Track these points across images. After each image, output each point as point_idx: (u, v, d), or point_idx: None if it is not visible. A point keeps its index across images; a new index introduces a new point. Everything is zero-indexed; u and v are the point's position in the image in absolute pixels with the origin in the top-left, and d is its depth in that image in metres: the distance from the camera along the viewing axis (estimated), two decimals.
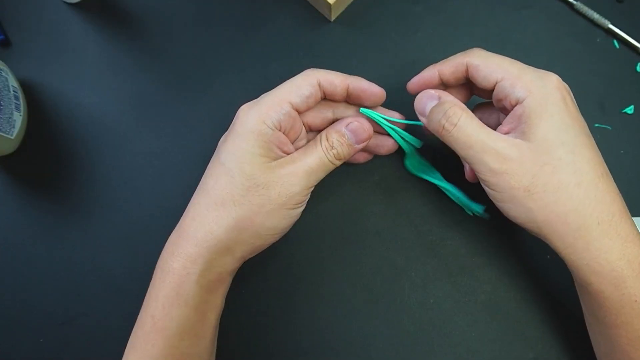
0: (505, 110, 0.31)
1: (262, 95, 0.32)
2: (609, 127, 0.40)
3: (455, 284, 0.37)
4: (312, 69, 0.32)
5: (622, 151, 0.40)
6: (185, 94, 0.42)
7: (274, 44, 0.43)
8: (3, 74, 0.38)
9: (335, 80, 0.31)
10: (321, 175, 0.32)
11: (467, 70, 0.31)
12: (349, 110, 0.35)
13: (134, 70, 0.42)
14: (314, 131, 0.35)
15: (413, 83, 0.34)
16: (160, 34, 0.43)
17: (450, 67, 0.32)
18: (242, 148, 0.30)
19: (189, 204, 0.32)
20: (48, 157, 0.41)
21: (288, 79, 0.32)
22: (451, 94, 0.33)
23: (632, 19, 0.42)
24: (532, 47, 0.42)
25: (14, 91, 0.39)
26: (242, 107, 0.32)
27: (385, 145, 0.36)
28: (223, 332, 0.36)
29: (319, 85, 0.31)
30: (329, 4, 0.40)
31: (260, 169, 0.30)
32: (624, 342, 0.28)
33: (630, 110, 0.41)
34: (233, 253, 0.30)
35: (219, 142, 0.32)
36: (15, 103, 0.39)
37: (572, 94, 0.31)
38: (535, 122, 0.28)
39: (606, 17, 0.42)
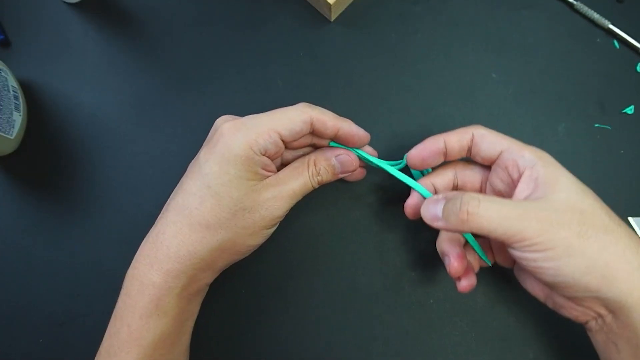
0: (505, 181, 0.31)
1: (250, 117, 0.31)
2: (609, 127, 0.40)
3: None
4: (306, 104, 0.32)
5: (622, 151, 0.40)
6: (185, 94, 0.42)
7: (274, 44, 0.43)
8: (3, 74, 0.38)
9: (328, 123, 0.31)
10: (301, 197, 0.33)
11: (471, 139, 0.32)
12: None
13: (134, 70, 0.42)
14: (290, 150, 0.35)
15: (416, 151, 0.33)
16: (160, 34, 0.43)
17: (455, 135, 0.32)
18: (230, 173, 0.30)
19: (165, 219, 0.31)
20: (48, 157, 0.41)
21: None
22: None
23: (632, 19, 0.42)
24: (532, 47, 0.42)
25: (13, 91, 0.39)
26: (225, 124, 0.31)
27: (354, 175, 0.37)
28: (223, 337, 0.36)
29: (312, 123, 0.31)
30: (329, 4, 0.40)
31: (246, 193, 0.30)
32: None
33: (630, 110, 0.41)
34: (213, 268, 0.32)
35: (200, 158, 0.31)
36: (15, 103, 0.39)
37: None
38: (557, 176, 0.28)
39: (606, 17, 0.42)
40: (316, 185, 0.33)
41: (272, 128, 0.30)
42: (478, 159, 0.33)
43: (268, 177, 0.32)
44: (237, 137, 0.30)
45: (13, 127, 0.39)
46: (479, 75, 0.42)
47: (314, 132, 0.32)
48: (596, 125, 0.40)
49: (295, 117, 0.31)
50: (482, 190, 0.34)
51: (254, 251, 0.33)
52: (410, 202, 0.34)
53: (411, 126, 0.41)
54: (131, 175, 0.40)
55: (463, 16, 0.43)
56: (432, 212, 0.30)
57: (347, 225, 0.39)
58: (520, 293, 0.37)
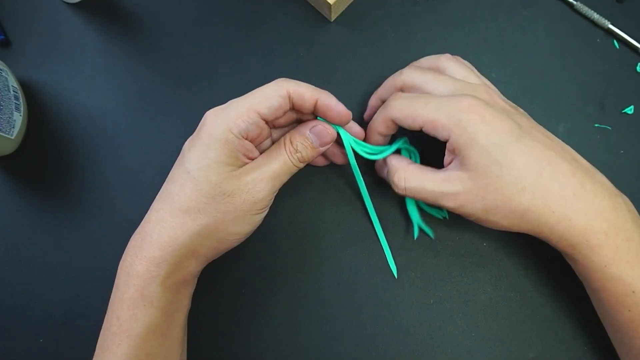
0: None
1: (230, 101, 0.32)
2: (609, 127, 0.40)
3: (455, 284, 0.37)
4: (283, 79, 0.32)
5: (622, 151, 0.40)
6: (185, 93, 0.42)
7: (274, 44, 0.43)
8: (3, 74, 0.38)
9: (306, 94, 0.31)
10: (285, 178, 0.32)
11: (393, 121, 0.33)
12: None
13: (134, 70, 0.42)
14: (278, 128, 0.35)
15: (366, 117, 0.38)
16: (160, 34, 0.43)
17: (381, 124, 0.34)
18: (209, 157, 0.30)
19: (150, 208, 0.32)
20: (48, 157, 0.41)
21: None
22: None
23: (632, 19, 0.42)
24: (532, 47, 0.42)
25: (14, 91, 0.39)
26: (208, 112, 0.32)
27: (341, 156, 0.37)
28: (226, 335, 0.36)
29: (289, 97, 0.31)
30: (329, 4, 0.40)
31: (226, 177, 0.30)
32: (605, 304, 0.31)
33: (630, 110, 0.41)
34: (197, 257, 0.31)
35: (184, 147, 0.32)
36: (15, 103, 0.39)
37: (495, 98, 0.32)
38: (466, 154, 0.30)
39: (606, 17, 0.42)
40: (299, 164, 0.32)
41: (250, 108, 0.30)
42: None
43: (248, 163, 0.31)
44: (217, 122, 0.30)
45: (13, 127, 0.39)
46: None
47: (294, 107, 0.32)
48: (596, 125, 0.40)
49: (273, 93, 0.31)
50: None
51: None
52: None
53: None
54: (131, 175, 0.40)
55: (463, 16, 0.43)
56: (381, 174, 0.37)
57: (347, 225, 0.39)
58: (520, 293, 0.37)
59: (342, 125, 0.34)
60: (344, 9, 0.43)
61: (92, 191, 0.40)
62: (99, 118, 0.41)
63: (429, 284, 0.37)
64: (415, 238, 0.38)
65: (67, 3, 0.44)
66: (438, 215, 0.38)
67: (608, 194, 0.30)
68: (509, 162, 0.29)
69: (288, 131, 0.34)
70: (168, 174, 0.40)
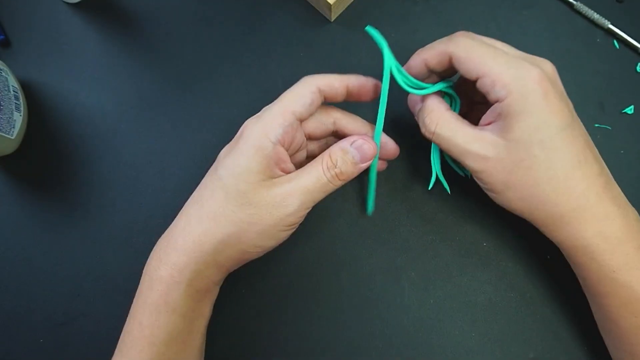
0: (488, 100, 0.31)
1: (265, 108, 0.31)
2: (609, 127, 0.40)
3: (455, 284, 0.37)
4: (308, 75, 0.32)
5: (622, 151, 0.40)
6: (185, 94, 0.42)
7: (274, 44, 0.43)
8: (3, 74, 0.38)
9: (335, 83, 0.31)
10: (318, 196, 0.30)
11: (449, 61, 0.31)
12: (350, 119, 0.34)
13: (134, 70, 0.42)
14: (314, 140, 0.35)
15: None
16: (160, 34, 0.43)
17: (435, 56, 0.31)
18: (240, 165, 0.29)
19: (180, 212, 0.32)
20: (48, 157, 0.41)
21: (288, 78, 0.32)
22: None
23: (632, 19, 0.42)
24: (532, 47, 0.42)
25: (14, 91, 0.39)
26: (247, 122, 0.31)
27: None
28: (223, 332, 0.36)
29: (319, 91, 0.31)
30: (329, 4, 0.40)
31: (255, 187, 0.29)
32: (611, 310, 0.30)
33: (630, 110, 0.41)
34: (219, 266, 0.31)
35: (220, 154, 0.32)
36: (15, 103, 0.39)
37: (558, 81, 0.31)
38: (513, 122, 0.28)
39: (606, 17, 0.42)
40: (333, 180, 0.30)
41: (284, 110, 0.30)
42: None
43: (281, 175, 0.30)
44: (254, 129, 0.30)
45: (13, 127, 0.39)
46: None
47: (327, 100, 0.32)
48: (596, 125, 0.40)
49: (303, 90, 0.31)
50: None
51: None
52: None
53: (412, 125, 0.40)
54: (131, 175, 0.40)
55: (463, 16, 0.43)
56: (412, 108, 0.35)
57: (347, 226, 0.39)
58: (520, 293, 0.37)
59: (373, 98, 0.33)
60: (344, 9, 0.43)
61: (92, 191, 0.40)
62: (99, 118, 0.41)
63: (429, 284, 0.37)
64: (429, 189, 0.37)
65: (67, 3, 0.44)
66: (460, 172, 0.37)
67: (623, 201, 0.30)
68: (551, 146, 0.28)
69: (322, 146, 0.34)
70: (168, 173, 0.40)
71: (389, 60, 0.31)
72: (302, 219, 0.31)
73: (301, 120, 0.31)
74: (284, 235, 0.31)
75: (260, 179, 0.29)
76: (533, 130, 0.28)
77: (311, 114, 0.31)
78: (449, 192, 0.37)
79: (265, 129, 0.29)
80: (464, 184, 0.39)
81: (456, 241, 0.38)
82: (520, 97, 0.28)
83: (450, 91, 0.34)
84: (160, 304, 0.29)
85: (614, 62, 0.42)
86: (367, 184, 0.36)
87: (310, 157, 0.33)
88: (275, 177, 0.30)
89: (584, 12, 0.42)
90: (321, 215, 0.39)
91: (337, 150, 0.31)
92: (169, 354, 0.29)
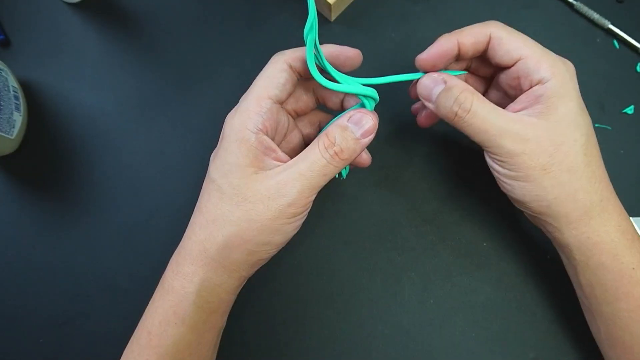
0: (514, 88, 0.31)
1: (242, 97, 0.30)
2: (609, 127, 0.40)
3: (455, 284, 0.37)
4: (277, 53, 0.30)
5: (622, 151, 0.40)
6: (185, 93, 0.42)
7: (274, 44, 0.43)
8: (3, 74, 0.38)
9: (303, 56, 0.30)
10: (318, 181, 0.28)
11: (488, 42, 0.30)
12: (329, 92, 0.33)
13: (134, 70, 0.42)
14: (301, 116, 0.34)
15: (430, 55, 0.31)
16: (160, 34, 0.43)
17: (471, 37, 0.30)
18: (228, 162, 0.28)
19: (189, 222, 0.31)
20: (48, 157, 0.41)
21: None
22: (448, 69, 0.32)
23: (632, 19, 0.42)
24: None
25: (14, 91, 0.39)
26: (227, 117, 0.30)
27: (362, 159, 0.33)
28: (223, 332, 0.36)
29: (291, 68, 0.30)
30: (329, 4, 0.40)
31: (248, 182, 0.28)
32: (625, 315, 0.29)
33: (630, 110, 0.41)
34: (229, 272, 0.29)
35: (211, 157, 0.31)
36: (15, 103, 0.39)
37: None
38: (556, 104, 0.28)
39: (606, 17, 0.42)
40: (335, 161, 0.28)
41: (258, 96, 0.29)
42: (492, 61, 0.31)
43: (276, 166, 0.29)
44: (232, 123, 0.29)
45: (13, 127, 0.39)
46: None
47: (302, 75, 0.30)
48: (596, 125, 0.40)
49: (274, 71, 0.29)
50: (487, 85, 0.34)
51: None
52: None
53: (412, 125, 0.41)
54: (131, 175, 0.40)
55: (463, 16, 0.43)
56: (428, 91, 0.31)
57: (347, 226, 0.39)
58: (520, 293, 0.37)
59: (356, 67, 0.31)
60: (344, 9, 0.43)
61: (92, 191, 0.40)
62: (99, 118, 0.41)
63: (429, 284, 0.37)
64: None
65: (67, 3, 0.44)
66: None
67: None
68: (588, 132, 0.29)
69: (314, 121, 0.33)
70: (168, 173, 0.40)
71: (314, 31, 0.28)
72: (306, 209, 0.29)
73: (280, 102, 0.30)
74: (290, 228, 0.29)
75: (251, 173, 0.28)
76: (574, 114, 0.28)
77: (290, 93, 0.30)
78: (344, 177, 0.36)
79: (244, 120, 0.28)
80: (464, 184, 0.39)
81: (456, 241, 0.38)
82: (563, 81, 0.28)
83: (374, 95, 0.30)
84: (170, 314, 0.28)
85: (614, 62, 0.42)
86: None
87: (308, 142, 0.31)
88: (269, 169, 0.28)
89: (584, 12, 0.42)
90: (321, 215, 0.39)
91: (335, 127, 0.29)
92: None
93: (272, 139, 0.30)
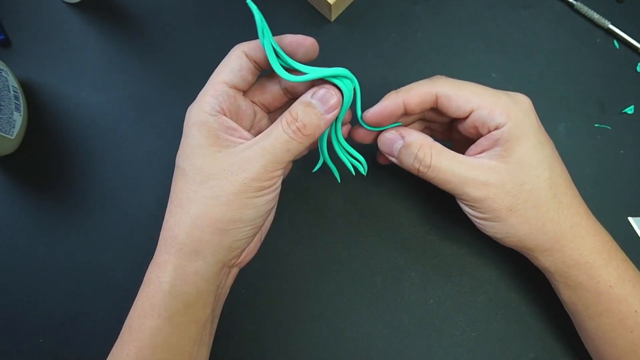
0: (473, 134, 0.31)
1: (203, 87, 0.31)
2: (609, 127, 0.40)
3: (455, 284, 0.37)
4: (239, 44, 0.31)
5: (622, 151, 0.40)
6: (185, 93, 0.41)
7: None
8: (3, 74, 0.38)
9: (259, 46, 0.29)
10: (282, 156, 0.28)
11: (435, 101, 0.31)
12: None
13: (133, 70, 0.42)
14: (275, 110, 0.34)
15: (374, 114, 0.31)
16: (160, 34, 0.43)
17: (417, 97, 0.31)
18: (189, 145, 0.28)
19: None
20: (48, 157, 0.41)
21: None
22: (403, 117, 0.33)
23: (632, 19, 0.42)
24: (532, 47, 0.42)
25: (14, 91, 0.39)
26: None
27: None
28: (222, 332, 0.36)
29: (247, 56, 0.30)
30: (329, 4, 0.40)
31: (210, 160, 0.28)
32: (608, 329, 0.30)
33: (630, 110, 0.41)
34: (204, 257, 0.28)
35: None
36: (15, 103, 0.39)
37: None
38: (513, 146, 0.29)
39: (606, 17, 0.42)
40: (297, 136, 0.28)
41: (214, 81, 0.30)
42: (446, 115, 0.31)
43: (240, 144, 0.29)
44: (191, 110, 0.30)
45: (13, 127, 0.39)
46: (479, 75, 0.42)
47: (261, 67, 0.30)
48: (596, 125, 0.40)
49: (229, 59, 0.30)
50: (449, 126, 0.35)
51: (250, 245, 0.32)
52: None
53: None
54: (131, 175, 0.40)
55: (463, 16, 0.43)
56: (388, 147, 0.32)
57: (347, 226, 0.39)
58: (520, 294, 0.37)
59: (313, 57, 0.30)
60: (344, 9, 0.43)
61: (92, 191, 0.40)
62: (99, 118, 0.41)
63: (429, 284, 0.37)
64: (314, 171, 0.35)
65: (67, 3, 0.44)
66: (344, 171, 0.35)
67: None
68: (550, 165, 0.29)
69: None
70: (168, 173, 0.40)
71: (267, 35, 0.28)
72: (273, 183, 0.29)
73: (238, 88, 0.30)
74: (260, 202, 0.28)
75: (214, 152, 0.28)
76: (533, 151, 0.29)
77: (248, 81, 0.30)
78: (339, 182, 0.37)
79: (200, 104, 0.29)
80: None
81: (456, 241, 0.38)
82: (518, 122, 0.29)
83: (349, 75, 0.29)
84: (147, 306, 0.28)
85: (614, 62, 0.42)
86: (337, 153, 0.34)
87: None
88: (233, 147, 0.28)
89: (584, 12, 0.42)
90: (321, 215, 0.39)
91: (298, 103, 0.29)
92: (155, 358, 0.28)
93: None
